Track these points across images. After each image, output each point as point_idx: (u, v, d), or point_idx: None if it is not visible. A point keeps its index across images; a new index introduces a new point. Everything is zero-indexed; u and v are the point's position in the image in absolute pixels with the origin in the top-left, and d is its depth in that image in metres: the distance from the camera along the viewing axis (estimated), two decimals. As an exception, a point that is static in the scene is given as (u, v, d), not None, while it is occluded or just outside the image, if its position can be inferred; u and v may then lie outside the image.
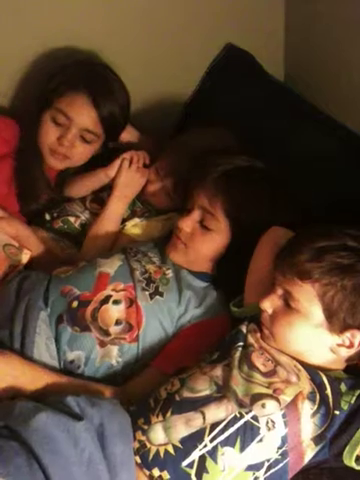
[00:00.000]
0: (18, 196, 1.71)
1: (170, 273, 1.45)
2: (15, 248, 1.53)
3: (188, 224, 1.45)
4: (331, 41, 1.80)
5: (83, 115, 1.64)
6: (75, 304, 1.37)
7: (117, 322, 1.35)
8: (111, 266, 1.43)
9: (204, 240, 1.45)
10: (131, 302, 1.37)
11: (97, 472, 1.06)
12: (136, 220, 1.70)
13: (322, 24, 1.82)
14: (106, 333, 1.34)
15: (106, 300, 1.37)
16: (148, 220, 1.71)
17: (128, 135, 1.82)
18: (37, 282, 1.43)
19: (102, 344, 1.33)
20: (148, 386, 1.26)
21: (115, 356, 1.33)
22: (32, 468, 1.02)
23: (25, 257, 1.54)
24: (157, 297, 1.39)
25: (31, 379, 1.23)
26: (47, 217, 1.74)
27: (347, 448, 1.10)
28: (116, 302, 1.37)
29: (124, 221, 1.71)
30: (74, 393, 1.17)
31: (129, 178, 1.69)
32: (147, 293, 1.39)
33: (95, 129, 1.67)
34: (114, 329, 1.34)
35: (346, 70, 1.73)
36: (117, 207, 1.68)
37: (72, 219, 1.73)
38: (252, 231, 1.38)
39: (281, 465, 1.11)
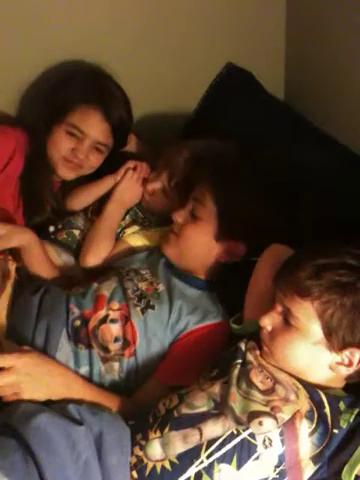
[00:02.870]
0: (24, 207, 1.73)
1: (161, 287, 1.48)
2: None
3: (180, 214, 1.51)
4: (332, 61, 1.80)
5: (96, 128, 1.69)
6: (78, 323, 1.41)
7: (116, 339, 1.38)
8: (107, 289, 1.47)
9: (193, 229, 1.49)
10: (126, 319, 1.40)
11: (92, 479, 1.07)
12: (135, 227, 1.73)
13: (323, 44, 1.83)
14: (106, 350, 1.37)
15: (104, 319, 1.41)
16: (147, 230, 1.72)
17: (130, 142, 1.86)
18: (57, 298, 1.47)
19: (104, 360, 1.37)
20: (155, 398, 1.27)
21: (117, 371, 1.36)
22: (28, 466, 1.03)
23: (12, 267, 1.55)
24: (149, 310, 1.41)
25: (66, 385, 1.26)
26: (51, 229, 1.75)
27: (346, 467, 1.09)
28: (113, 321, 1.40)
29: (124, 229, 1.72)
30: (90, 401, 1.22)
31: (129, 186, 1.73)
32: (138, 308, 1.41)
33: (107, 140, 1.72)
34: (113, 346, 1.37)
35: (347, 90, 1.74)
36: (114, 211, 1.71)
37: (76, 232, 1.74)
38: (240, 228, 1.44)
39: (279, 485, 1.11)
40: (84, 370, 1.36)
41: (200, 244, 1.49)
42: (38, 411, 1.11)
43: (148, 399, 1.29)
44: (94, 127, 1.68)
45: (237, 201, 1.45)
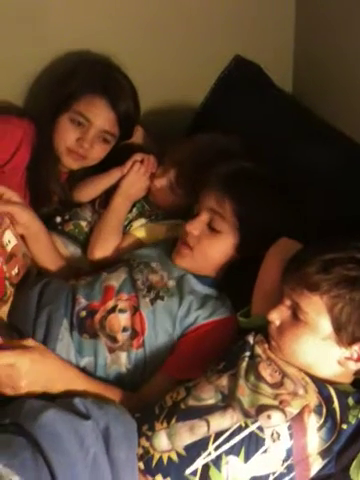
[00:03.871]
0: (31, 198, 1.72)
1: (172, 283, 1.46)
2: None
3: (196, 226, 1.45)
4: (340, 54, 1.80)
5: (102, 117, 1.68)
6: (83, 314, 1.39)
7: (124, 329, 1.37)
8: (117, 280, 1.45)
9: (212, 243, 1.45)
10: (135, 310, 1.39)
11: (101, 473, 1.07)
12: (142, 220, 1.72)
13: (331, 37, 1.83)
14: (114, 339, 1.36)
15: (113, 309, 1.39)
16: (154, 223, 1.72)
17: (137, 133, 1.85)
18: (59, 289, 1.45)
19: (111, 350, 1.35)
20: (162, 392, 1.26)
21: (124, 363, 1.35)
22: (37, 463, 1.03)
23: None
24: (158, 301, 1.40)
25: (66, 382, 1.25)
26: (58, 220, 1.75)
27: (354, 463, 1.09)
28: (122, 311, 1.39)
29: (131, 222, 1.72)
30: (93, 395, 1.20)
31: (135, 179, 1.71)
32: (148, 299, 1.40)
33: (113, 129, 1.71)
34: (122, 336, 1.36)
35: (355, 84, 1.74)
36: (121, 204, 1.70)
37: (83, 224, 1.73)
38: (260, 236, 1.39)
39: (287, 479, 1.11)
40: (87, 360, 1.34)
41: (219, 256, 1.46)
42: (45, 408, 1.11)
43: (155, 393, 1.28)
44: (100, 115, 1.67)
45: (258, 212, 1.42)
